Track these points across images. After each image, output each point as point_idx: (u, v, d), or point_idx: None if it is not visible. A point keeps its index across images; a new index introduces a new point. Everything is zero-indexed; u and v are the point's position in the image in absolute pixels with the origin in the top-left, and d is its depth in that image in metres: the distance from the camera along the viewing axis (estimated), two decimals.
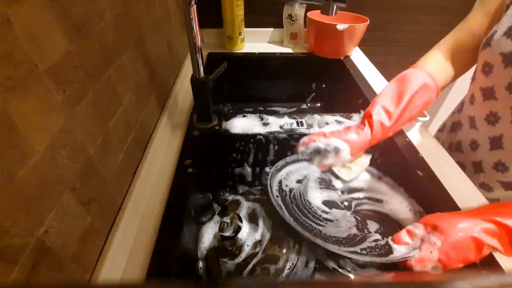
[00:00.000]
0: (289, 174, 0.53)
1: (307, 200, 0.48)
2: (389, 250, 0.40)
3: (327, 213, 0.47)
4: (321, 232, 0.42)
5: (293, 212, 0.44)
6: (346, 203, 0.49)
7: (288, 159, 0.54)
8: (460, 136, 0.56)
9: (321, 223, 0.44)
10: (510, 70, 0.43)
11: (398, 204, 0.48)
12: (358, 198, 0.50)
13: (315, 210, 0.47)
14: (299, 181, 0.52)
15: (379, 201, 0.50)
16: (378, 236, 0.42)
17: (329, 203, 0.49)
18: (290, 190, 0.49)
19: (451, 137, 0.60)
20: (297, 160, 0.55)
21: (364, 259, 0.37)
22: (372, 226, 0.45)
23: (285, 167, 0.54)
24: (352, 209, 0.48)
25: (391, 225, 0.45)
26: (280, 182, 0.51)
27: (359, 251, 0.39)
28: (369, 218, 0.46)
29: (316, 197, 0.50)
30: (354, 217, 0.46)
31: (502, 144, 0.46)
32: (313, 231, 0.42)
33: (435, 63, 0.53)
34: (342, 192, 0.51)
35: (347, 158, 0.49)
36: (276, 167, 0.51)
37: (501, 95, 0.45)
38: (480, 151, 0.51)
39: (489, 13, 0.48)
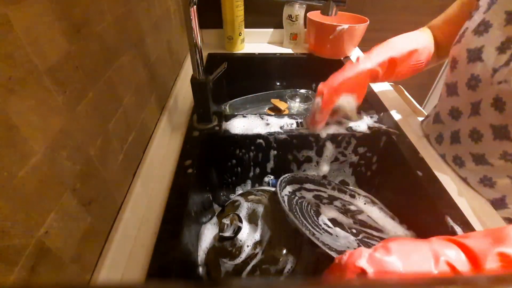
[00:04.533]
0: (309, 189, 0.52)
1: (313, 210, 0.46)
2: None
3: (329, 227, 0.43)
4: (314, 234, 0.39)
5: (294, 212, 0.42)
6: (354, 231, 0.45)
7: (310, 176, 0.54)
8: (430, 129, 0.57)
9: (319, 230, 0.41)
10: (472, 66, 0.44)
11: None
12: (371, 234, 0.46)
13: (316, 219, 0.44)
14: (316, 197, 0.51)
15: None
16: None
17: (335, 222, 0.45)
18: (301, 197, 0.48)
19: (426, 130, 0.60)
20: (320, 183, 0.54)
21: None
22: None
23: (306, 183, 0.53)
24: (358, 238, 0.44)
25: None
26: (298, 189, 0.49)
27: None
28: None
29: (326, 212, 0.47)
30: (358, 243, 0.42)
31: (459, 138, 0.48)
32: (307, 230, 0.39)
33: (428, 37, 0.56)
34: (355, 222, 0.48)
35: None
36: (295, 174, 0.51)
37: (462, 91, 0.47)
38: (443, 145, 0.52)
39: (464, 4, 0.51)
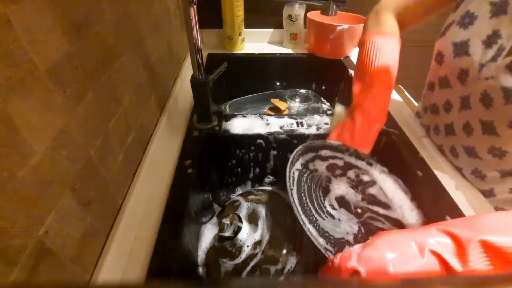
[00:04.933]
0: (324, 157, 0.50)
1: (323, 187, 0.46)
2: None
3: (334, 209, 0.44)
4: (316, 220, 0.41)
5: (301, 191, 0.43)
6: (359, 210, 0.46)
7: (328, 142, 0.51)
8: (428, 120, 0.57)
9: (322, 214, 0.42)
10: (459, 60, 0.43)
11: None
12: (376, 212, 0.46)
13: (323, 200, 0.44)
14: (329, 167, 0.49)
15: (396, 224, 0.45)
16: None
17: (342, 201, 0.46)
18: (313, 171, 0.47)
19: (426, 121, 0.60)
20: (338, 149, 0.51)
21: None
22: None
23: (323, 149, 0.50)
24: (362, 219, 0.45)
25: None
26: (312, 159, 0.48)
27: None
28: (373, 235, 0.44)
29: (336, 188, 0.47)
30: (358, 227, 0.43)
31: (454, 131, 0.49)
32: (309, 216, 0.41)
33: (393, 26, 0.52)
34: (363, 199, 0.47)
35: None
36: (311, 143, 0.49)
37: (454, 83, 0.47)
38: (440, 136, 0.53)
39: None
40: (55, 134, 0.26)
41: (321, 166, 0.49)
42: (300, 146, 0.48)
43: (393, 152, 0.55)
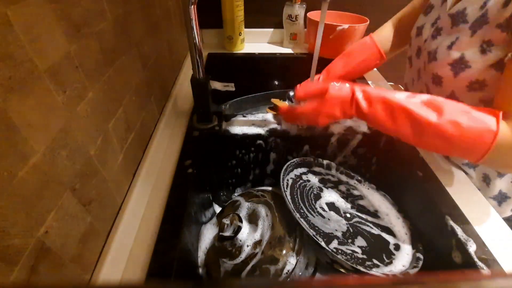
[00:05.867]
0: (317, 172, 0.55)
1: (314, 194, 0.49)
2: (361, 263, 0.40)
3: (324, 210, 0.47)
4: (307, 216, 0.43)
5: (294, 193, 0.46)
6: (348, 215, 0.48)
7: (319, 160, 0.57)
8: None
9: (312, 213, 0.45)
10: (416, 40, 0.55)
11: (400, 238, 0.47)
12: (365, 219, 0.48)
13: (314, 203, 0.48)
14: (321, 180, 0.54)
15: (384, 230, 0.48)
16: (358, 250, 0.42)
17: (332, 206, 0.49)
18: (306, 181, 0.50)
19: None
20: (329, 167, 0.57)
21: (339, 258, 0.37)
22: (360, 241, 0.44)
23: (315, 166, 0.56)
24: (350, 222, 0.47)
25: (379, 252, 0.43)
26: (306, 172, 0.53)
27: (332, 249, 0.38)
28: (361, 236, 0.45)
29: (327, 195, 0.50)
30: (347, 227, 0.46)
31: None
32: (300, 211, 0.43)
33: (384, 33, 0.66)
34: (353, 207, 0.51)
35: None
36: (304, 158, 0.54)
37: (414, 61, 0.56)
38: None
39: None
40: (55, 134, 0.26)
41: (314, 178, 0.54)
42: (294, 160, 0.52)
43: (393, 152, 0.55)
